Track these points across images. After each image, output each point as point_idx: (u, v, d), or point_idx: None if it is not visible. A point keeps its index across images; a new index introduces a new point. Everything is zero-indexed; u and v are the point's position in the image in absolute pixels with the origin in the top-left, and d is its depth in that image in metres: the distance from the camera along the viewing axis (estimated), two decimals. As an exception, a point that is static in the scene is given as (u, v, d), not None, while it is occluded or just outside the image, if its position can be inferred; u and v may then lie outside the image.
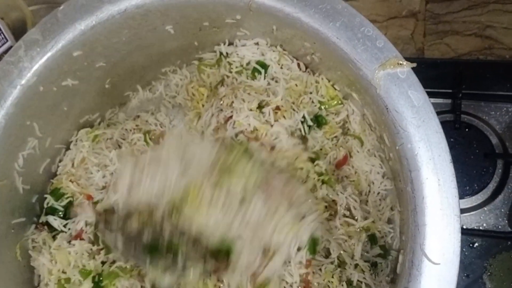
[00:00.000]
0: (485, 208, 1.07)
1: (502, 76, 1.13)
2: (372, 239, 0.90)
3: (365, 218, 0.90)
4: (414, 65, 0.72)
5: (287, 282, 0.85)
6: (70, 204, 0.95)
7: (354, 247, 0.88)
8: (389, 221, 0.92)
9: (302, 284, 0.85)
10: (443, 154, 0.68)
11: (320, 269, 0.86)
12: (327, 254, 0.88)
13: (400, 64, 0.72)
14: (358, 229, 0.89)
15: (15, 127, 0.86)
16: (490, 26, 1.21)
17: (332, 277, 0.85)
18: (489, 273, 1.04)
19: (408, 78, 0.72)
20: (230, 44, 1.02)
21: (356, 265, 0.88)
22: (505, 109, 1.11)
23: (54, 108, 0.93)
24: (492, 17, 1.21)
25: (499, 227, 1.06)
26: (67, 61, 0.87)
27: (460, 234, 0.67)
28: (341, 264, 0.88)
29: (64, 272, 0.90)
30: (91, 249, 0.92)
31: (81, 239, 0.92)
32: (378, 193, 0.93)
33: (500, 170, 1.08)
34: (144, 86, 1.09)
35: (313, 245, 0.84)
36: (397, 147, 0.72)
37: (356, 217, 0.90)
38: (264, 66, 0.97)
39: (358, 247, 0.88)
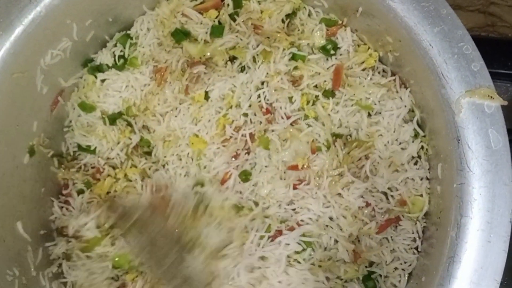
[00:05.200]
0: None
1: (503, 54, 1.05)
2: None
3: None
4: (506, 102, 0.63)
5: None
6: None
7: None
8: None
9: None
10: (504, 210, 0.60)
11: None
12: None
13: (491, 97, 0.63)
14: None
15: (54, 22, 0.79)
16: (495, 3, 1.12)
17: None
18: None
19: (493, 115, 0.63)
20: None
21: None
22: (504, 87, 1.04)
23: (99, 15, 0.85)
24: (497, -6, 1.13)
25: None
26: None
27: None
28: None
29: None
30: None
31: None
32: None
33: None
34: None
35: None
36: (454, 185, 0.64)
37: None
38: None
39: None
